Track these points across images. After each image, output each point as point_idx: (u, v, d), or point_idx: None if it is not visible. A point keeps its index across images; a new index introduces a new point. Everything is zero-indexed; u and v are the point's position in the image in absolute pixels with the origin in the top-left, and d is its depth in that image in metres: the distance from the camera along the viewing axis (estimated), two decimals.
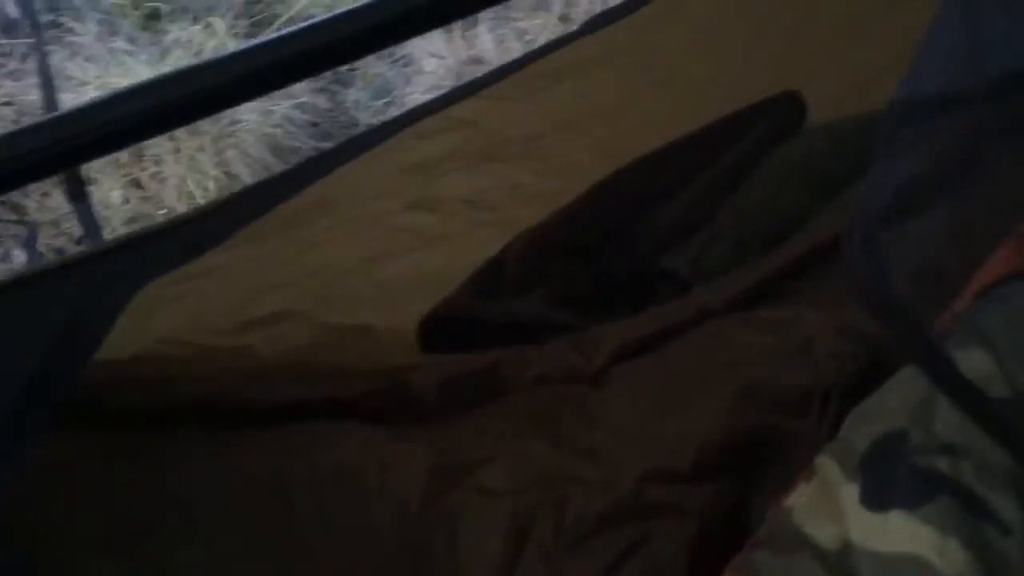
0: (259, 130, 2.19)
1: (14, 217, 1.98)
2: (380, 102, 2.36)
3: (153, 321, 0.82)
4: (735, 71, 1.01)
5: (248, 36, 2.66)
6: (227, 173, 2.13)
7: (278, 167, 2.03)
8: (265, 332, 0.88)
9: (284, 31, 0.59)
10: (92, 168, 2.03)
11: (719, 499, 0.79)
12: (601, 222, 1.04)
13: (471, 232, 1.00)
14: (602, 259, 1.04)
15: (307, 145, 2.23)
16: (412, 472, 0.83)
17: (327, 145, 2.05)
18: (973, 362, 0.53)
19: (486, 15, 2.76)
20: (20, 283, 0.63)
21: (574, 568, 0.76)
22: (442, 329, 0.99)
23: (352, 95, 2.41)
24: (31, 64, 2.26)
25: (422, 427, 0.89)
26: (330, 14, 0.57)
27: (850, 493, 0.53)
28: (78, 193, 1.76)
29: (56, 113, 0.55)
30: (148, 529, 0.80)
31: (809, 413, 0.82)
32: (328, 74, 2.62)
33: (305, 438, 0.86)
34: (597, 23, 0.82)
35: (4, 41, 2.35)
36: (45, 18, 2.51)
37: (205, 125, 2.10)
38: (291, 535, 0.80)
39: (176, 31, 2.57)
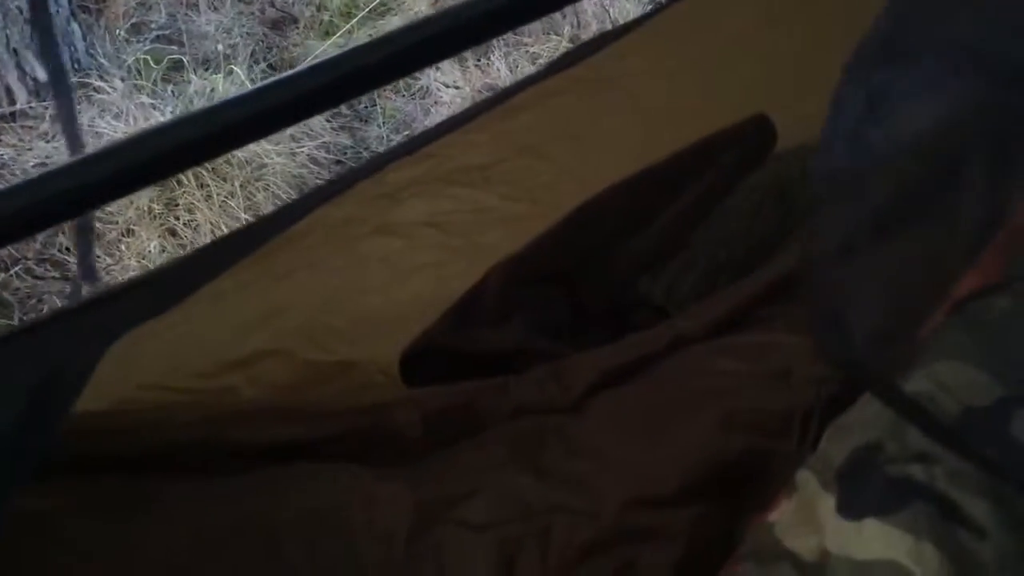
0: (286, 171, 2.24)
1: (56, 274, 2.00)
2: (401, 135, 2.39)
3: (132, 368, 0.82)
4: (700, 96, 1.02)
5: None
6: (258, 216, 2.18)
7: None
8: (247, 372, 0.88)
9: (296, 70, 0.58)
10: (129, 220, 2.10)
11: (704, 522, 0.80)
12: (577, 250, 1.05)
13: (440, 260, 1.00)
14: (579, 286, 1.04)
15: None
16: (397, 509, 0.82)
17: None
18: (943, 375, 0.55)
19: (498, 42, 2.78)
20: None
21: None
22: (424, 362, 0.99)
23: (373, 131, 2.44)
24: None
25: (406, 463, 0.89)
26: (340, 52, 0.57)
27: (827, 504, 0.54)
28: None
29: (76, 158, 0.54)
30: None
31: (789, 436, 0.82)
32: (348, 112, 2.64)
33: (290, 479, 0.86)
34: (562, 63, 0.83)
35: (35, 104, 2.40)
36: (72, 79, 2.53)
37: (234, 171, 2.17)
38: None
39: (198, 81, 2.59)
